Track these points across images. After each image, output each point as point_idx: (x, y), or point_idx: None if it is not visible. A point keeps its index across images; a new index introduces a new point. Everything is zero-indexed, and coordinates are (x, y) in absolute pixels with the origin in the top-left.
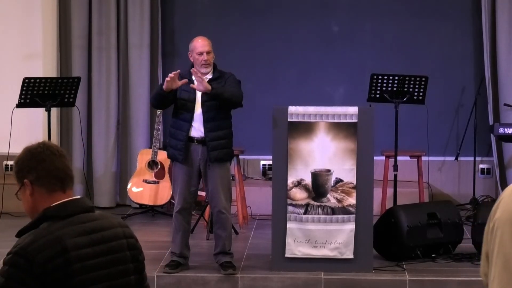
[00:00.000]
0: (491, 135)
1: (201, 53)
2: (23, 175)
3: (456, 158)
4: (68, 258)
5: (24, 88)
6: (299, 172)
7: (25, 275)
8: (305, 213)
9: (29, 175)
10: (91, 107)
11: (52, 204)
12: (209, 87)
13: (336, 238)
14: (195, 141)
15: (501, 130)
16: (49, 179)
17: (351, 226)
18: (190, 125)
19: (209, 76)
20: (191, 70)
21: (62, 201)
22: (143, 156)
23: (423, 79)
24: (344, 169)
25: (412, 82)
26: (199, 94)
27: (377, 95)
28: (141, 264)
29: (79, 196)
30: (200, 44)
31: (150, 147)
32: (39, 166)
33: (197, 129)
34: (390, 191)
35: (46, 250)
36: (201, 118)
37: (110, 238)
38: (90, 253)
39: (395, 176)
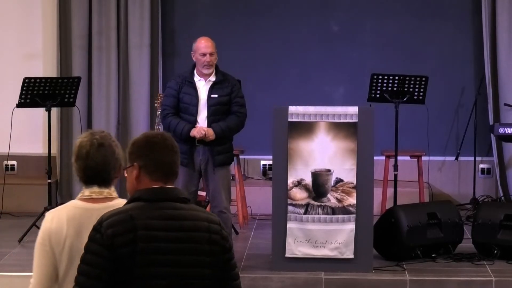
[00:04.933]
0: (491, 135)
1: (204, 54)
2: (134, 158)
3: (456, 158)
4: (135, 236)
5: (24, 88)
6: (299, 172)
7: (100, 248)
8: (305, 213)
9: (139, 160)
10: (91, 107)
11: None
12: (212, 136)
13: (336, 238)
14: (196, 142)
15: (501, 130)
16: (155, 171)
17: (351, 226)
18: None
19: (212, 78)
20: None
21: (153, 187)
22: None
23: (423, 79)
24: (344, 169)
25: (412, 82)
26: (201, 98)
27: (377, 95)
28: (222, 262)
29: (172, 187)
30: (203, 45)
31: None
32: (150, 155)
33: None
34: (390, 191)
35: (117, 226)
36: (205, 121)
37: (189, 228)
38: (161, 237)
39: (395, 176)
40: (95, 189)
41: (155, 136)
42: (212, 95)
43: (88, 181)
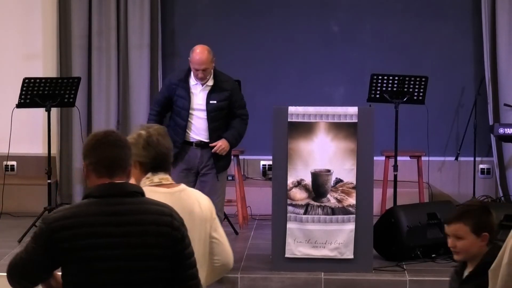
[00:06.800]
0: (491, 135)
1: (197, 70)
2: (83, 158)
3: (456, 158)
4: (76, 232)
5: (24, 88)
6: (299, 172)
7: (43, 238)
8: (305, 213)
9: (86, 159)
10: (91, 107)
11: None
12: (227, 147)
13: (336, 238)
14: (194, 144)
15: (501, 130)
16: (98, 166)
17: (351, 226)
18: (184, 132)
19: (210, 82)
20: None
21: (100, 183)
22: None
23: (423, 79)
24: (344, 169)
25: (412, 82)
26: (197, 103)
27: (377, 95)
28: (174, 252)
29: (122, 181)
30: (197, 61)
31: None
32: (93, 153)
33: (197, 134)
34: (390, 191)
35: (61, 221)
36: (205, 126)
37: (135, 222)
38: (106, 232)
39: (395, 176)
40: (162, 175)
41: (99, 133)
42: (210, 101)
43: (156, 168)
